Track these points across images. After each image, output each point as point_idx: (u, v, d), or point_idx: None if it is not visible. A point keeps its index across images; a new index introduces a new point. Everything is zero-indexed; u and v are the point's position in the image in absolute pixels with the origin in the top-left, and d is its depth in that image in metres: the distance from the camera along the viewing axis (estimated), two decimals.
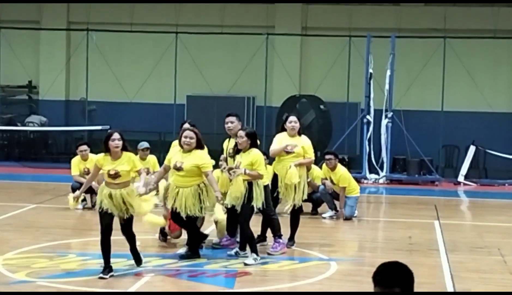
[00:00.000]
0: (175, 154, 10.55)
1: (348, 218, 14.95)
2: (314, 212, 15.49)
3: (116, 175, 9.55)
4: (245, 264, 10.55)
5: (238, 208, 10.59)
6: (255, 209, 10.76)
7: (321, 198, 15.34)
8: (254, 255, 10.67)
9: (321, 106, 23.40)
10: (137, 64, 24.96)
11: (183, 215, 10.42)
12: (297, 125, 11.83)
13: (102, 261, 10.12)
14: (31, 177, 21.04)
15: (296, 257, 11.64)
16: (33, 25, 25.27)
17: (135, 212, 9.83)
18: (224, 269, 10.45)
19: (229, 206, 10.80)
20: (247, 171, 10.45)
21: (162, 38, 24.02)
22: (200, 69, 24.20)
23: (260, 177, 10.53)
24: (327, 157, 15.12)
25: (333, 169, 15.02)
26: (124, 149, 9.76)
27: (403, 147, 21.96)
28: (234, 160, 10.85)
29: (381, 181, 21.65)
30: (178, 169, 10.33)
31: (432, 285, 10.02)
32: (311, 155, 11.85)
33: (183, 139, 10.42)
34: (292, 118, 11.90)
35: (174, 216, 10.68)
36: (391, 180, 21.77)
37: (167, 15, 24.54)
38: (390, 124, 21.72)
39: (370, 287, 9.90)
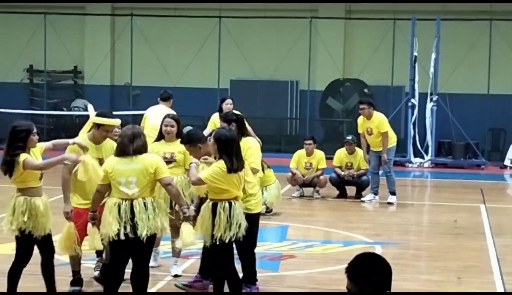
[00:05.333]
0: None
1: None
2: (358, 195, 15.46)
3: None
4: None
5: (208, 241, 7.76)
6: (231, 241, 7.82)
7: (365, 182, 15.32)
8: None
9: (365, 90, 23.30)
10: (180, 49, 25.03)
11: None
12: (173, 129, 9.26)
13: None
14: None
15: (341, 240, 11.64)
16: (78, 10, 25.46)
17: None
18: (269, 252, 10.47)
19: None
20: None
21: (205, 22, 24.07)
22: (244, 53, 24.20)
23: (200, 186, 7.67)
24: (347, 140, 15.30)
25: (369, 117, 14.63)
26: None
27: (449, 131, 21.78)
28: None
29: (426, 164, 21.52)
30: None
31: (478, 268, 9.97)
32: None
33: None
34: (166, 121, 9.31)
35: None
36: (436, 164, 21.62)
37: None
38: (435, 107, 21.56)
39: (415, 270, 9.89)
